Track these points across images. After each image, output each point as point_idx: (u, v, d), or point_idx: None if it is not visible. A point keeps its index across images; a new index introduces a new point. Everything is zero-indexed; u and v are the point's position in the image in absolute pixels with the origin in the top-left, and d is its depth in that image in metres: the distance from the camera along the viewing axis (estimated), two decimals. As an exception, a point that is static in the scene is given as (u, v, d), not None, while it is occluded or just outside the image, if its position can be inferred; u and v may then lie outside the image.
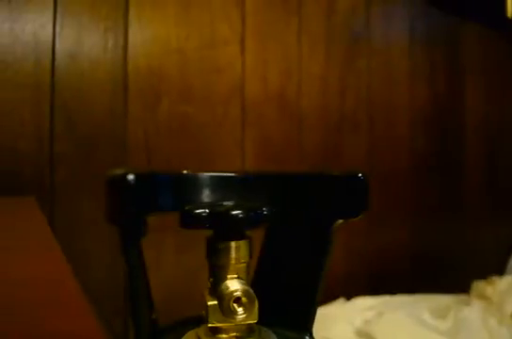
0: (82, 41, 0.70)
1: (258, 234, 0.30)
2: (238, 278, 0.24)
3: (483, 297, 1.07)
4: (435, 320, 0.92)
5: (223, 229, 0.24)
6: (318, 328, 0.29)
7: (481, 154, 1.34)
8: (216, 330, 0.24)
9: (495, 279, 1.15)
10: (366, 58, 1.07)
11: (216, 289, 0.24)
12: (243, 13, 0.87)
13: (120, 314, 0.71)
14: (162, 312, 0.28)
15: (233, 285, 0.23)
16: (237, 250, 0.24)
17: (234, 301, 0.23)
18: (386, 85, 1.11)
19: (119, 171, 0.24)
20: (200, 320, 0.25)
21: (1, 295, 0.19)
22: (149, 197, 0.24)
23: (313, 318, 0.28)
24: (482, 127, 1.34)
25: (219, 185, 0.27)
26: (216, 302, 0.23)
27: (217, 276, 0.24)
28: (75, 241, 0.69)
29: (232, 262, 0.24)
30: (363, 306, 0.94)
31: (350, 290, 1.00)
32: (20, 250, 0.29)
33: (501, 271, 1.30)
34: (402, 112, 1.14)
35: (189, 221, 0.24)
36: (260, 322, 0.24)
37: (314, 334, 0.28)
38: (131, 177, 0.23)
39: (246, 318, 0.23)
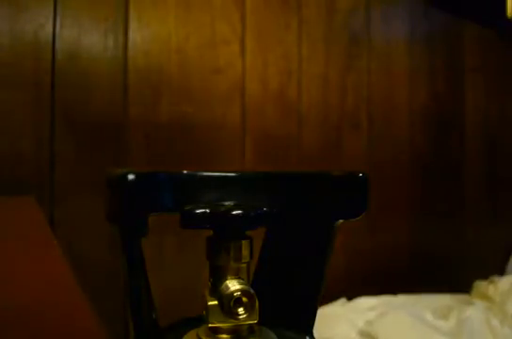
0: (82, 41, 0.70)
1: (258, 234, 0.29)
2: (239, 278, 0.24)
3: (485, 296, 1.07)
4: (437, 320, 0.92)
5: (223, 229, 0.24)
6: (320, 328, 0.29)
7: (481, 154, 1.34)
8: (216, 331, 0.24)
9: (497, 279, 1.15)
10: (366, 58, 1.07)
11: (217, 289, 0.23)
12: (243, 13, 0.87)
13: (119, 314, 0.71)
14: (162, 312, 0.28)
15: (234, 285, 0.23)
16: (237, 251, 0.24)
17: (235, 301, 0.23)
18: (386, 84, 1.11)
19: (119, 171, 0.24)
20: (200, 320, 0.25)
21: (0, 294, 0.19)
22: (149, 197, 0.24)
23: (314, 318, 0.28)
24: (482, 126, 1.34)
25: (220, 184, 0.27)
26: (216, 302, 0.23)
27: (218, 276, 0.24)
28: (75, 240, 0.69)
29: (233, 262, 0.24)
30: (365, 306, 0.94)
31: (351, 290, 1.00)
32: (19, 250, 0.28)
33: (501, 271, 1.30)
34: (402, 112, 1.14)
35: (189, 221, 0.24)
36: (260, 322, 0.24)
37: (316, 335, 0.28)
38: (131, 177, 0.23)
39: (246, 318, 0.23)
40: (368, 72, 1.07)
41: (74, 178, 0.69)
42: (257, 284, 0.26)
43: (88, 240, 0.70)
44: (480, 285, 1.14)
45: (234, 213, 0.23)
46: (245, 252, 0.24)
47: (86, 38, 0.71)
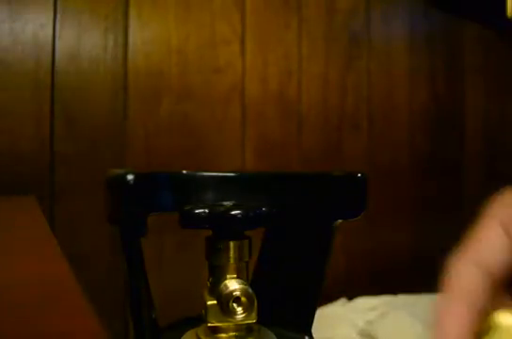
0: (82, 41, 0.70)
1: (257, 234, 0.30)
2: (238, 278, 0.24)
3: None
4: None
5: (222, 229, 0.24)
6: (321, 328, 0.29)
7: (481, 154, 1.34)
8: (215, 330, 0.24)
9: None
10: (366, 58, 1.07)
11: (216, 289, 0.24)
12: (243, 13, 0.87)
13: (119, 314, 0.71)
14: (162, 311, 0.28)
15: (233, 285, 0.23)
16: (236, 250, 0.24)
17: (234, 301, 0.23)
18: (386, 84, 1.11)
19: (118, 171, 0.24)
20: (199, 320, 0.25)
21: (0, 294, 0.19)
22: (148, 197, 0.25)
23: (313, 318, 0.28)
24: (482, 127, 1.34)
25: (219, 185, 0.27)
26: (215, 302, 0.23)
27: (217, 276, 0.24)
28: (75, 240, 0.69)
29: (232, 262, 0.24)
30: (366, 306, 0.94)
31: (351, 290, 1.00)
32: (19, 250, 0.29)
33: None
34: (402, 112, 1.14)
35: (189, 221, 0.24)
36: (259, 322, 0.24)
37: (317, 334, 0.28)
38: (130, 177, 0.23)
39: (245, 318, 0.23)
40: (368, 72, 1.07)
41: (74, 178, 0.69)
42: (256, 284, 0.26)
43: (88, 240, 0.70)
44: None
45: (233, 213, 0.23)
46: (244, 252, 0.24)
47: (86, 37, 0.71)
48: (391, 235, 1.12)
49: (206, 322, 0.24)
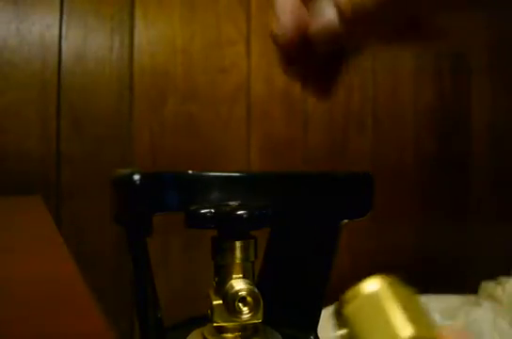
0: (88, 42, 0.71)
1: (263, 234, 0.30)
2: (243, 277, 0.24)
3: (492, 297, 1.06)
4: (445, 321, 0.91)
5: (228, 229, 0.24)
6: (326, 328, 0.29)
7: (488, 154, 1.33)
8: (221, 330, 0.24)
9: (504, 279, 1.14)
10: (371, 58, 1.06)
11: (222, 289, 0.24)
12: (248, 13, 0.87)
13: (125, 313, 0.71)
14: (167, 311, 0.28)
15: (238, 285, 0.23)
16: (242, 250, 0.24)
17: (239, 301, 0.23)
18: (391, 84, 1.11)
19: (124, 171, 0.24)
20: (205, 319, 0.25)
21: (6, 293, 0.19)
22: (154, 197, 0.25)
23: (318, 318, 0.28)
24: (489, 127, 1.33)
25: (225, 185, 0.27)
26: (221, 302, 0.23)
27: (223, 276, 0.24)
28: (81, 239, 0.69)
29: (237, 261, 0.24)
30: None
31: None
32: (26, 249, 0.29)
33: (508, 272, 1.29)
34: (407, 111, 1.14)
35: (194, 221, 0.24)
36: (265, 322, 0.24)
37: (323, 334, 0.28)
38: (137, 177, 0.23)
39: (251, 318, 0.23)
40: (373, 71, 1.06)
41: (80, 177, 0.69)
42: (262, 284, 0.26)
43: (94, 239, 0.70)
44: (487, 286, 1.13)
45: (239, 213, 0.23)
46: (249, 252, 0.24)
47: (92, 38, 0.71)
48: (396, 235, 1.11)
49: (212, 322, 0.24)
